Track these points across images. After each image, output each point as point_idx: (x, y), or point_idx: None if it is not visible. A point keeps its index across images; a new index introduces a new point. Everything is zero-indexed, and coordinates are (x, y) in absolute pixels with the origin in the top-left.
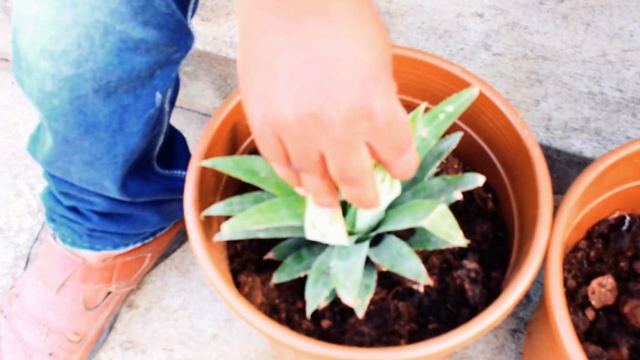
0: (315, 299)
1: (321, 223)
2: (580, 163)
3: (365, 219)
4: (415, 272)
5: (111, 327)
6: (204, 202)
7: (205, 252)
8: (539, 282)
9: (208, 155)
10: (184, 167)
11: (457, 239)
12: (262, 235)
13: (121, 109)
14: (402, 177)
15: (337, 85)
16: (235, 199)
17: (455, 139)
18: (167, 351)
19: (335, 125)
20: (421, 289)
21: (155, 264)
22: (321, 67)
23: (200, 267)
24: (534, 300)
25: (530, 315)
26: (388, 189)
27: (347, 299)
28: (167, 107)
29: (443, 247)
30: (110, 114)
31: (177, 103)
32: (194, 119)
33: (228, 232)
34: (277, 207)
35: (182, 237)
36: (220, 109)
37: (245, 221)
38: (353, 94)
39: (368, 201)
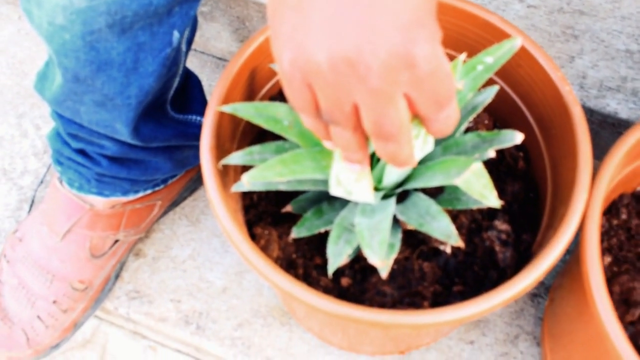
0: (337, 257)
1: (347, 180)
2: (615, 124)
3: (393, 175)
4: (445, 233)
5: (117, 276)
6: (220, 149)
7: (222, 202)
8: None
9: (226, 100)
10: (199, 112)
11: (491, 199)
12: (282, 188)
13: (136, 47)
14: (440, 134)
15: (377, 28)
16: (256, 148)
17: (491, 92)
18: (174, 302)
19: (373, 74)
20: (448, 250)
21: (165, 213)
22: (360, 8)
23: (215, 217)
24: (557, 265)
25: (552, 280)
26: (421, 145)
27: (374, 259)
28: (184, 47)
29: (474, 207)
30: (124, 52)
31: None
32: (208, 62)
33: (248, 183)
34: (301, 158)
35: (193, 186)
36: (240, 51)
37: (267, 172)
38: (394, 39)
39: (403, 159)
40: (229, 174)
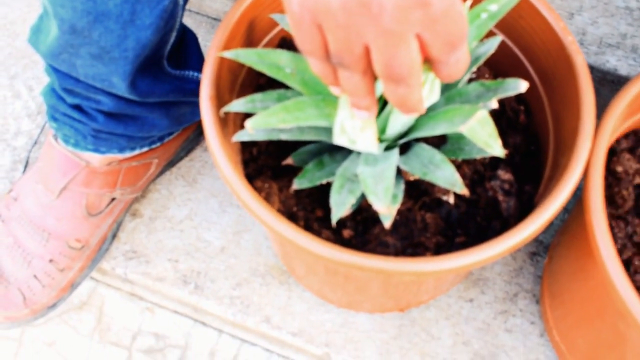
0: (340, 207)
1: (352, 128)
2: (614, 81)
3: (397, 124)
4: (449, 181)
5: (114, 236)
6: (220, 100)
7: (222, 151)
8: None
9: (225, 49)
10: (196, 68)
11: (496, 148)
12: (284, 137)
13: None
14: (450, 79)
15: None
16: (257, 96)
17: (493, 43)
18: (172, 262)
19: (385, 13)
20: (451, 200)
21: (162, 172)
22: None
23: (216, 167)
24: (555, 223)
25: (550, 239)
26: (427, 94)
27: (379, 206)
28: (181, 0)
29: (477, 156)
30: (121, 3)
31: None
32: (203, 23)
33: (251, 129)
34: (304, 106)
35: (189, 145)
36: (239, 1)
37: (270, 119)
38: None
39: (412, 103)
40: (228, 126)
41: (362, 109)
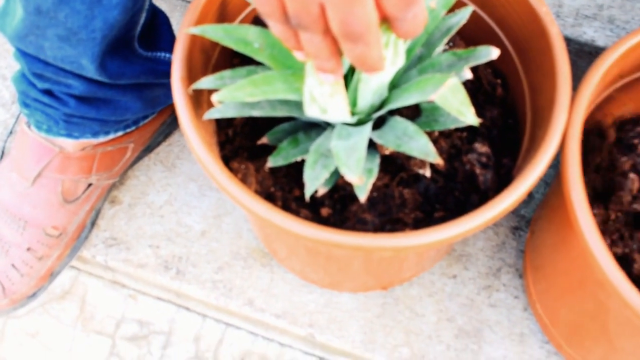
0: (314, 181)
1: (321, 95)
2: (592, 53)
3: (367, 95)
4: (423, 151)
5: (93, 224)
6: (192, 81)
7: (195, 131)
8: (542, 179)
9: (197, 24)
10: (168, 49)
11: (469, 116)
12: (255, 114)
13: None
14: (409, 35)
15: None
16: (227, 73)
17: (465, 13)
18: (153, 248)
19: None
20: (427, 173)
21: (139, 158)
22: None
23: (190, 148)
24: (536, 197)
25: (532, 213)
26: (392, 57)
27: (351, 177)
28: None
29: (452, 127)
30: None
31: None
32: (178, 6)
33: (217, 103)
34: (272, 80)
35: (166, 130)
36: None
37: (237, 93)
38: None
39: (372, 61)
40: (202, 107)
41: (327, 71)
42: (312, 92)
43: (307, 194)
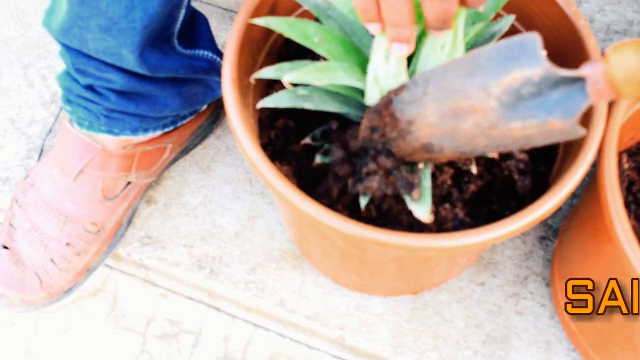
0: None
1: (385, 76)
2: None
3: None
4: None
5: (129, 222)
6: (241, 81)
7: (244, 130)
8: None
9: (247, 28)
10: (207, 47)
11: None
12: (307, 106)
13: None
14: (478, 3)
15: None
16: (286, 65)
17: (507, 21)
18: (187, 247)
19: None
20: (474, 170)
21: (176, 159)
22: None
23: (238, 145)
24: (563, 208)
25: (559, 223)
26: (450, 50)
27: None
28: None
29: None
30: None
31: None
32: (215, 13)
33: (288, 84)
34: (334, 68)
35: (203, 133)
36: None
37: (306, 76)
38: None
39: (450, 16)
40: (247, 108)
41: (403, 41)
42: (376, 73)
43: (363, 203)
